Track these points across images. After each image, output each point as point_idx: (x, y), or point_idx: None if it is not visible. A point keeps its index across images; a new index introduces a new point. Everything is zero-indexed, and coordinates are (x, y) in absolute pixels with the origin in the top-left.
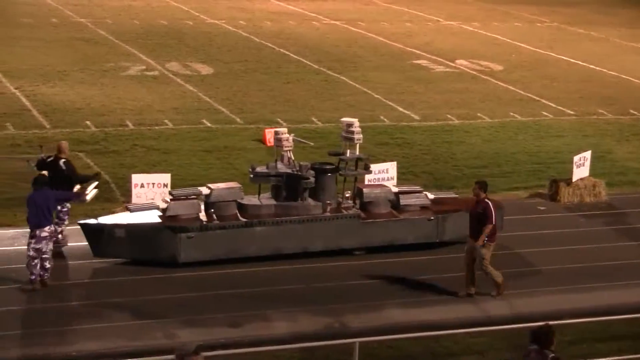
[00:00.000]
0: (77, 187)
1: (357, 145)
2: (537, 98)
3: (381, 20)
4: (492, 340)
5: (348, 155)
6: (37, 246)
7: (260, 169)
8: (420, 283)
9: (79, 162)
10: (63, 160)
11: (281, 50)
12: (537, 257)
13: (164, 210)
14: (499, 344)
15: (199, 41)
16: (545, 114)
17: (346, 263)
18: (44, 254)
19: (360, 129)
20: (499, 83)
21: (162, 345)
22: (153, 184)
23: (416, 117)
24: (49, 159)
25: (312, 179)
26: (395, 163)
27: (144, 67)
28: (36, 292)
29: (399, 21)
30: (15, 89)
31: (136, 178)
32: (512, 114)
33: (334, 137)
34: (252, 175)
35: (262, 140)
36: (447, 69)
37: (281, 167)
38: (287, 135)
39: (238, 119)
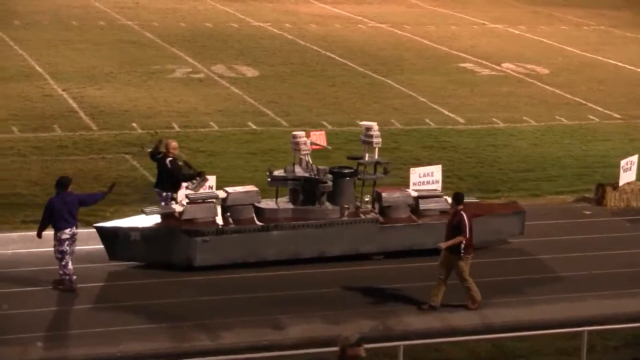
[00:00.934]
0: (184, 185)
1: (376, 149)
2: (584, 102)
3: (426, 23)
4: (536, 344)
5: (367, 159)
6: (60, 248)
7: (278, 172)
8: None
9: (125, 164)
10: (169, 158)
11: (327, 53)
12: (584, 261)
13: (180, 213)
14: (546, 349)
15: (244, 44)
16: (592, 117)
17: (364, 268)
18: (66, 255)
19: (379, 133)
20: (545, 86)
21: (174, 348)
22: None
23: (461, 121)
24: (159, 155)
25: (330, 183)
26: (440, 166)
27: (189, 70)
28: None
29: (444, 24)
30: (63, 91)
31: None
32: (558, 117)
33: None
34: (269, 179)
35: (317, 143)
36: (493, 72)
37: (299, 171)
38: (305, 139)
39: (283, 122)
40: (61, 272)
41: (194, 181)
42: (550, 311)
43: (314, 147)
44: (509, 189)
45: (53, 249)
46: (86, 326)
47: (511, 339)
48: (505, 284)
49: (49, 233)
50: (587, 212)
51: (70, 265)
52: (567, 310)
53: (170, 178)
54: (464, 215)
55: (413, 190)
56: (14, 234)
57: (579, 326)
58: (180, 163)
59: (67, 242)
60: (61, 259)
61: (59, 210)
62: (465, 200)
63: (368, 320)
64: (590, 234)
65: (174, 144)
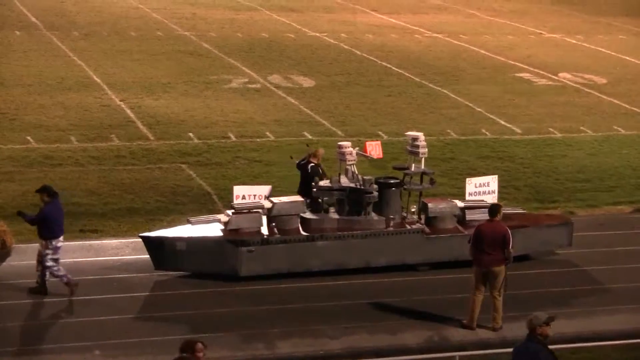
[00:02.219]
0: None
1: (423, 159)
2: None
3: (483, 33)
4: (594, 356)
5: (413, 169)
6: (55, 256)
7: (324, 183)
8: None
9: (182, 174)
10: (312, 164)
11: (383, 63)
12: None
13: (225, 224)
14: None
15: (300, 54)
16: None
17: (410, 279)
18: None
19: (425, 143)
20: (603, 96)
21: (233, 357)
22: (254, 195)
23: (518, 131)
24: (302, 162)
25: (376, 194)
26: (496, 177)
27: (246, 80)
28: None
29: (501, 34)
30: (121, 101)
31: (238, 190)
32: (616, 127)
33: (435, 151)
34: (315, 190)
35: (364, 153)
36: (550, 82)
37: (344, 182)
38: (351, 149)
39: (339, 132)
40: (58, 278)
41: None
42: (606, 322)
43: (363, 156)
44: (566, 200)
45: (41, 257)
46: (142, 335)
47: (567, 350)
48: (553, 295)
49: (105, 242)
50: None
51: (62, 269)
52: (624, 322)
53: (310, 182)
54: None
55: (459, 201)
56: (73, 243)
57: (636, 338)
58: (320, 172)
59: (60, 249)
60: (54, 266)
61: (55, 218)
62: (512, 210)
63: (418, 331)
64: None
65: (321, 151)
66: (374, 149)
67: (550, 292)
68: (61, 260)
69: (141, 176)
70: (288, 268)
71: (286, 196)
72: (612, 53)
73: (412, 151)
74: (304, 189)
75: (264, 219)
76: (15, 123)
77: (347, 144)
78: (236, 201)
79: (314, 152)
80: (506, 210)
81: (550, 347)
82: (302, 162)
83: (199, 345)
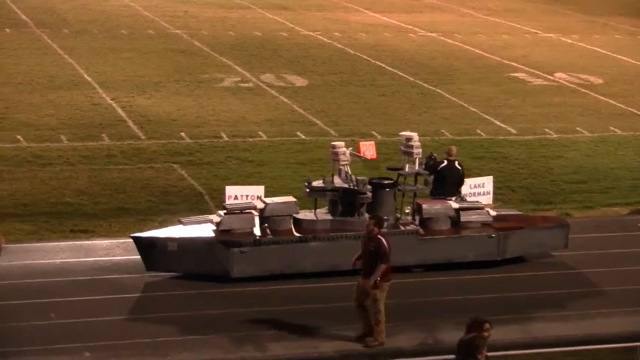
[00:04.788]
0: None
1: (417, 159)
2: (639, 112)
3: (478, 32)
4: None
5: (407, 170)
6: None
7: (316, 183)
8: (479, 302)
9: (173, 174)
10: (458, 161)
11: (376, 62)
12: (634, 275)
13: (217, 224)
14: None
15: (293, 53)
16: None
17: (404, 280)
18: None
19: (419, 144)
20: (599, 96)
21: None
22: (247, 195)
23: (513, 131)
24: (441, 165)
25: (370, 194)
26: (491, 177)
27: (238, 79)
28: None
29: (496, 33)
30: (111, 99)
31: (230, 190)
32: (612, 128)
33: (429, 151)
34: (307, 190)
35: (357, 153)
36: (545, 82)
37: (338, 182)
38: (345, 149)
39: (332, 131)
40: None
41: None
42: (602, 325)
43: (356, 156)
44: (562, 201)
45: None
46: (132, 336)
47: (562, 353)
48: (549, 298)
49: (95, 243)
50: None
51: None
52: (619, 325)
53: (460, 181)
54: (383, 239)
55: (453, 202)
56: (62, 243)
57: (631, 341)
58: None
59: None
60: None
61: None
62: (507, 212)
63: (413, 333)
64: None
65: (454, 148)
66: (368, 149)
67: (545, 294)
68: (52, 261)
69: (132, 176)
70: (281, 269)
71: (279, 197)
72: (609, 53)
73: (406, 151)
74: (445, 187)
75: (257, 219)
76: (4, 122)
77: (341, 144)
78: (228, 201)
79: (450, 149)
80: (501, 211)
81: (546, 349)
82: (443, 164)
83: (487, 325)
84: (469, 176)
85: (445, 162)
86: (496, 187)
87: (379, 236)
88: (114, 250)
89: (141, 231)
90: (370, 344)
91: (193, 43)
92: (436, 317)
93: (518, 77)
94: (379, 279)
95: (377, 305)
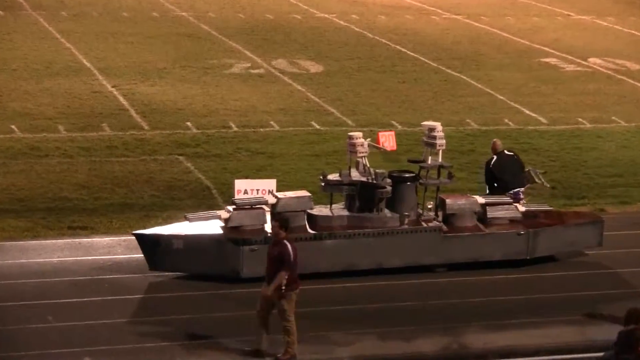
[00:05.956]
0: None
1: (440, 151)
2: None
3: (506, 14)
4: None
5: (429, 162)
6: None
7: (332, 176)
8: (507, 304)
9: (179, 166)
10: (506, 149)
11: (397, 47)
12: None
13: (226, 221)
14: None
15: (307, 37)
16: None
17: (426, 281)
18: None
19: (443, 134)
20: (636, 83)
21: None
22: (257, 190)
23: (544, 121)
24: (492, 161)
25: (389, 189)
26: None
27: (248, 65)
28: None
29: (526, 15)
30: (113, 87)
31: (239, 184)
32: None
33: (454, 142)
34: (322, 184)
35: (376, 145)
36: (579, 68)
37: (355, 175)
38: (362, 140)
39: (349, 121)
40: None
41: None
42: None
43: (375, 148)
44: (596, 196)
45: None
46: (135, 341)
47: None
48: (580, 300)
49: (95, 240)
50: None
51: None
52: None
53: (521, 167)
54: (288, 244)
55: (480, 196)
56: (60, 241)
57: None
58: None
59: None
60: None
61: None
62: (537, 207)
63: (436, 337)
64: None
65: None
66: (387, 140)
67: (576, 296)
68: (49, 259)
69: (135, 169)
70: None
71: (292, 191)
72: None
73: (429, 143)
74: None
75: (268, 215)
76: None
77: (358, 134)
78: (237, 196)
79: (495, 144)
80: (531, 207)
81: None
82: (506, 159)
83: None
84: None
85: (495, 157)
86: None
87: (285, 241)
88: (115, 248)
89: (144, 228)
90: (281, 359)
91: (200, 26)
92: (461, 321)
93: (549, 63)
94: (284, 288)
95: (284, 316)
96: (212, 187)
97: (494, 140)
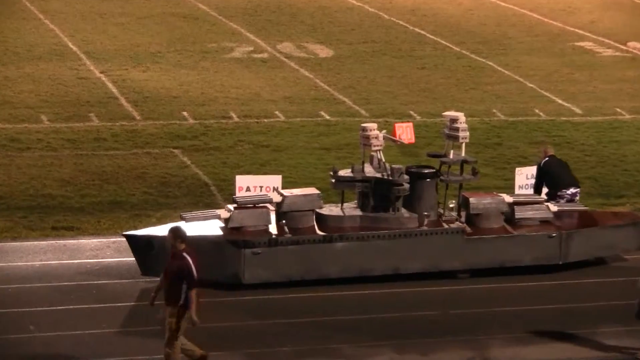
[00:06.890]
0: None
1: (463, 145)
2: None
3: None
4: None
5: (451, 157)
6: None
7: (343, 172)
8: (537, 314)
9: (174, 161)
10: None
11: (415, 29)
12: None
13: (226, 221)
14: None
15: (316, 18)
16: None
17: (447, 288)
18: None
19: (466, 126)
20: None
21: None
22: (261, 187)
23: (578, 111)
24: (543, 161)
25: (407, 186)
26: None
27: (251, 49)
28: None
29: None
30: (101, 73)
31: (241, 180)
32: None
33: (478, 135)
34: (333, 180)
35: (392, 137)
36: (617, 53)
37: (369, 171)
38: (377, 132)
39: (363, 111)
40: None
41: None
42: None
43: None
44: (636, 194)
45: None
46: (125, 352)
47: None
48: (618, 309)
49: (82, 242)
50: None
51: None
52: None
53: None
54: (188, 257)
55: (507, 195)
56: (43, 242)
57: None
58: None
59: None
60: None
61: None
62: (571, 207)
63: (458, 350)
64: None
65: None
66: (405, 132)
67: (614, 305)
68: (30, 263)
69: (125, 163)
70: (301, 274)
71: (299, 188)
72: None
73: (451, 135)
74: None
75: (273, 215)
76: None
77: (373, 126)
78: (239, 194)
79: (546, 149)
80: (564, 206)
81: None
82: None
83: None
84: (525, 164)
85: (547, 157)
86: None
87: (184, 253)
88: (103, 251)
89: (135, 229)
90: None
91: (198, 6)
92: (485, 332)
93: (584, 47)
94: (181, 303)
95: (174, 333)
96: (210, 184)
97: (545, 145)
